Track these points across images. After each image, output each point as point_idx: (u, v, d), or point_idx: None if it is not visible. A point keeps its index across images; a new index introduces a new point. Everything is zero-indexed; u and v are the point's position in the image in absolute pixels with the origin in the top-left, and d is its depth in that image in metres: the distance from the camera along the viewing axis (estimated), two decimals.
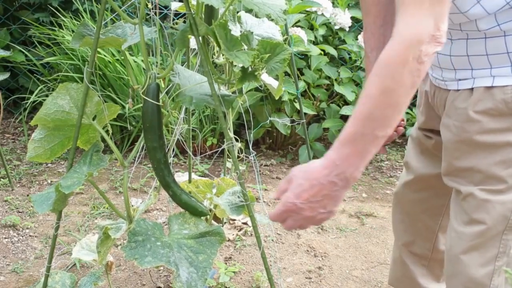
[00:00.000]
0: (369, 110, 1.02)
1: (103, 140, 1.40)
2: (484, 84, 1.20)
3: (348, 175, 1.05)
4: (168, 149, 1.52)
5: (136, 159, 1.51)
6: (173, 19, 1.42)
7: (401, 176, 1.60)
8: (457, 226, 1.30)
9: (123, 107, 3.31)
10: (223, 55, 1.30)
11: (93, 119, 1.38)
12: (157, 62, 1.44)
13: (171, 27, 1.26)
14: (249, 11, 1.33)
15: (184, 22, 1.28)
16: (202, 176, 2.83)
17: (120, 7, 3.07)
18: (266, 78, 2.12)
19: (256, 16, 1.36)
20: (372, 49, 1.42)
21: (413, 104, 3.88)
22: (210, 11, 1.23)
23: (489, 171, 1.23)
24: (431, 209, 1.53)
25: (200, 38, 1.22)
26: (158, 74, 1.29)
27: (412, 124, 3.68)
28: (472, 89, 1.22)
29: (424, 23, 0.99)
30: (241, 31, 1.30)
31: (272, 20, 1.29)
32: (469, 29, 1.19)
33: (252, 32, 1.27)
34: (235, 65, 1.29)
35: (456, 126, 1.27)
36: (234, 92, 1.61)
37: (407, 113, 3.64)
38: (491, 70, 1.19)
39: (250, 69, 1.22)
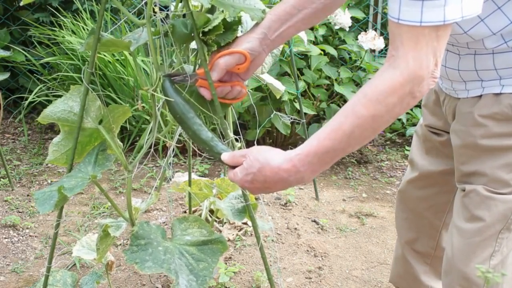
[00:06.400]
0: (352, 129, 1.03)
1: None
2: (493, 91, 1.21)
3: (306, 179, 1.08)
4: (168, 149, 1.52)
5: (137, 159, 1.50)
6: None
7: (405, 173, 1.60)
8: (458, 223, 1.31)
9: None
10: None
11: (100, 122, 1.35)
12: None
13: (166, 34, 1.25)
14: None
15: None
16: (202, 176, 2.84)
17: None
18: (267, 77, 2.12)
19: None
20: None
21: None
22: None
23: (493, 175, 1.23)
24: (436, 206, 1.53)
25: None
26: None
27: (414, 124, 3.68)
28: (480, 95, 1.24)
29: (425, 61, 1.00)
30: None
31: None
32: (476, 47, 1.20)
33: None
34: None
35: (462, 130, 1.28)
36: None
37: (407, 113, 3.64)
38: (500, 81, 1.20)
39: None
